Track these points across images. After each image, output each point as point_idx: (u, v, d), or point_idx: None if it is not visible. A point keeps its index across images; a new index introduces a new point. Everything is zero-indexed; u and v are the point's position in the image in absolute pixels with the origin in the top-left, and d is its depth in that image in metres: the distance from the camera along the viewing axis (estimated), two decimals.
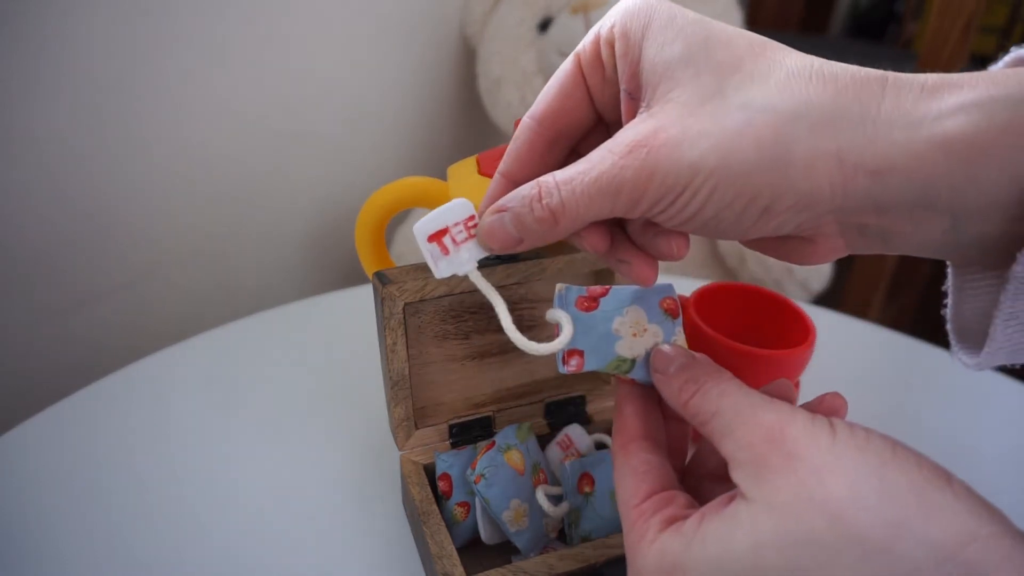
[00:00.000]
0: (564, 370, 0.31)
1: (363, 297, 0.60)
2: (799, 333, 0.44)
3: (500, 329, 0.41)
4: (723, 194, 0.25)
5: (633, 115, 0.28)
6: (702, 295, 0.46)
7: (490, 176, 0.42)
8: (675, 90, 0.26)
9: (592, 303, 0.31)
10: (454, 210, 0.30)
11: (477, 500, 0.37)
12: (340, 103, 0.85)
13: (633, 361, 0.30)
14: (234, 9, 0.70)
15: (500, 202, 0.29)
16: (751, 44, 0.26)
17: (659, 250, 0.29)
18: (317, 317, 0.62)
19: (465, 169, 0.43)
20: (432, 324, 0.39)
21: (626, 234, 0.31)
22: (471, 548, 0.38)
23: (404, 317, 0.37)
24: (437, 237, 0.30)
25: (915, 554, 0.20)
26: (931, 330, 0.52)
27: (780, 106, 0.24)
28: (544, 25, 0.84)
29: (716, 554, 0.23)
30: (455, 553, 0.35)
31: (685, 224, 0.26)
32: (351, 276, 0.94)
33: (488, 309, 0.40)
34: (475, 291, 0.38)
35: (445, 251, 0.31)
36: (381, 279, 0.36)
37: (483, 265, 0.37)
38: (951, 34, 1.10)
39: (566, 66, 0.30)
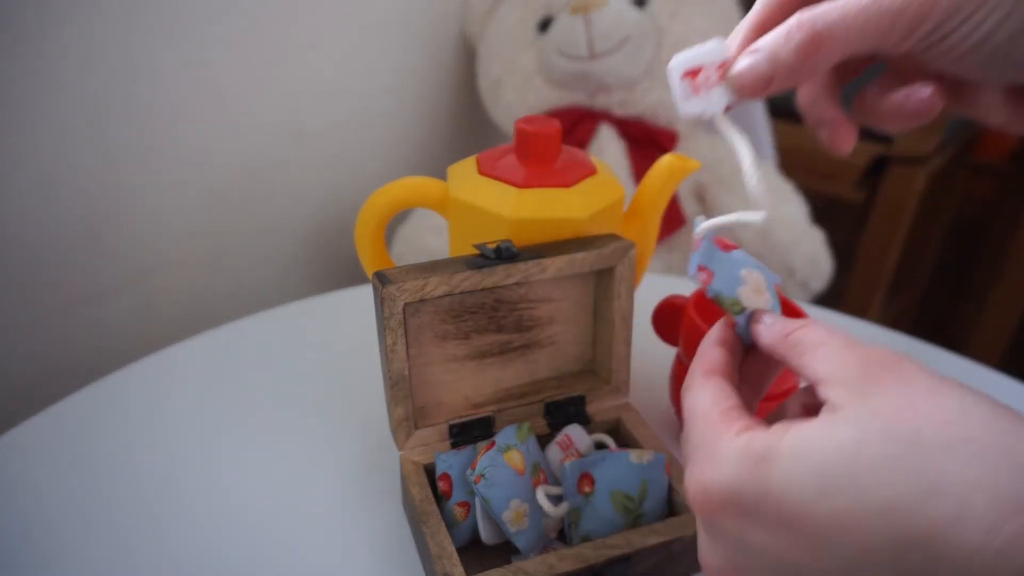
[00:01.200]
0: (693, 274, 0.30)
1: (363, 297, 0.60)
2: None
3: (500, 329, 0.41)
4: None
5: None
6: (702, 295, 0.46)
7: (490, 176, 0.42)
8: None
9: (728, 247, 0.31)
10: (710, 50, 0.31)
11: (477, 500, 0.37)
12: (340, 103, 0.85)
13: (744, 309, 0.30)
14: (233, 8, 0.70)
15: (755, 44, 0.29)
16: None
17: (912, 106, 0.29)
18: (317, 317, 0.62)
19: (465, 169, 0.43)
20: (432, 324, 0.39)
21: (833, 95, 0.31)
22: (471, 548, 0.38)
23: (404, 317, 0.37)
24: (691, 75, 0.31)
25: None
26: (931, 330, 0.52)
27: None
28: (544, 25, 0.84)
29: (811, 445, 0.22)
30: (455, 553, 0.35)
31: (972, 51, 0.24)
32: (351, 276, 0.94)
33: (488, 309, 0.40)
34: (475, 291, 0.38)
35: (695, 90, 0.31)
36: (381, 279, 0.36)
37: (482, 266, 0.37)
38: None
39: None
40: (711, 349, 0.30)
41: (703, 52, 0.31)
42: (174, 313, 0.77)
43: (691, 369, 0.29)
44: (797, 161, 1.31)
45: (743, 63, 0.29)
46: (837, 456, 0.21)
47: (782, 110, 1.31)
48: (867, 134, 1.26)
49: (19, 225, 0.62)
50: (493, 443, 0.38)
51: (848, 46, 0.26)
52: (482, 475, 0.36)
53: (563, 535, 0.38)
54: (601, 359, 0.44)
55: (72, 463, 0.46)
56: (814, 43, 0.27)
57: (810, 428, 0.22)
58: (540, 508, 0.37)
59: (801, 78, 0.28)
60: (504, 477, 0.37)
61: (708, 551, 0.25)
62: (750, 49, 0.29)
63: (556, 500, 0.38)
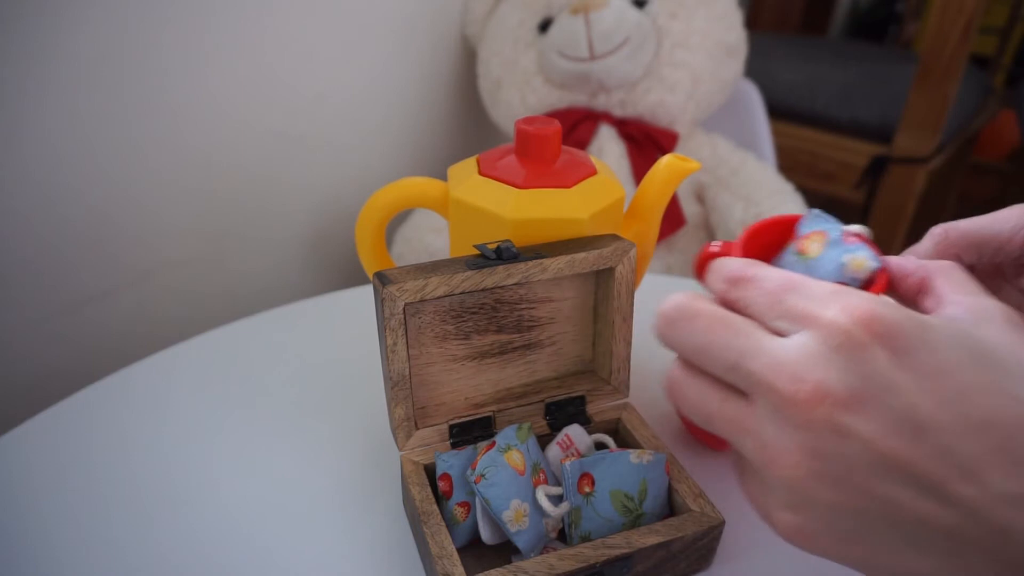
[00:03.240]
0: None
1: (363, 297, 0.60)
2: None
3: (500, 329, 0.41)
4: None
5: None
6: (753, 234, 0.41)
7: (490, 176, 0.42)
8: None
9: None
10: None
11: (477, 500, 0.37)
12: (340, 103, 0.85)
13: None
14: (232, 9, 0.70)
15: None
16: None
17: None
18: (317, 317, 0.62)
19: (465, 169, 0.43)
20: (432, 324, 0.39)
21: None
22: (471, 548, 0.38)
23: (404, 317, 0.37)
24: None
25: None
26: None
27: None
28: (544, 26, 0.84)
29: (966, 328, 0.26)
30: (455, 553, 0.35)
31: None
32: (351, 276, 0.94)
33: (488, 309, 0.40)
34: (475, 291, 0.38)
35: None
36: (381, 279, 0.36)
37: (482, 266, 0.37)
38: (951, 34, 1.10)
39: None
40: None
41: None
42: (174, 314, 0.77)
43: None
44: (797, 161, 1.31)
45: (896, 258, 0.35)
46: (992, 343, 0.25)
47: (782, 110, 1.32)
48: (867, 132, 1.26)
49: (20, 226, 0.62)
50: (493, 443, 0.38)
51: (971, 243, 0.35)
52: (482, 475, 0.36)
53: (563, 535, 0.39)
54: (601, 359, 0.44)
55: (72, 463, 0.46)
56: (944, 235, 0.35)
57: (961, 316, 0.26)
58: (540, 508, 0.37)
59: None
60: (504, 477, 0.37)
61: (831, 369, 0.24)
62: (906, 252, 0.37)
63: (556, 500, 0.38)
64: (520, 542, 0.37)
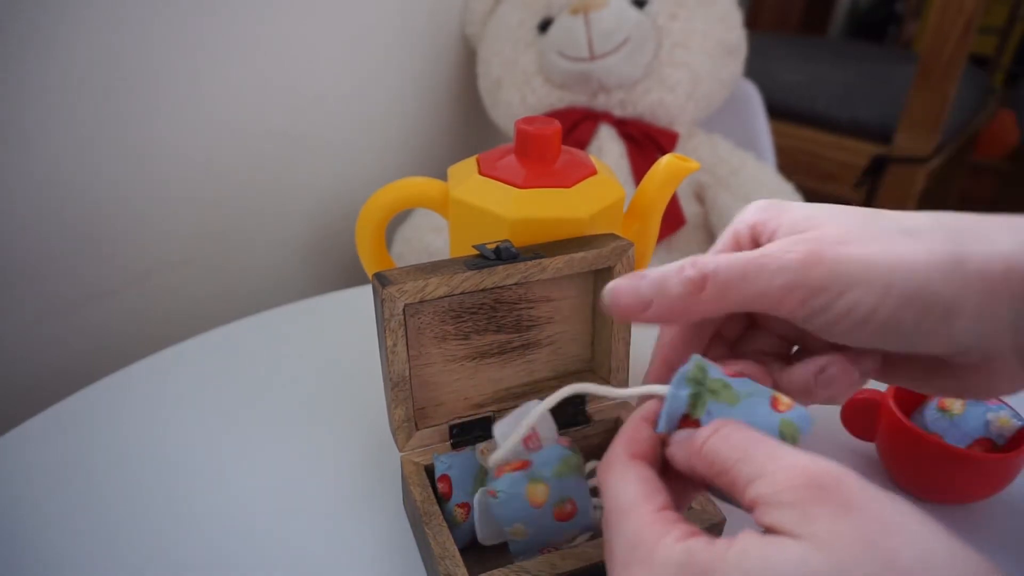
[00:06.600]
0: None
1: (363, 297, 0.60)
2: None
3: (499, 329, 0.41)
4: (901, 291, 0.24)
5: None
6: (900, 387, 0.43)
7: (490, 176, 0.42)
8: (821, 228, 0.26)
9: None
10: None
11: (476, 500, 0.37)
12: (340, 104, 0.85)
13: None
14: (232, 10, 0.70)
15: (642, 272, 0.29)
16: (865, 217, 0.27)
17: (826, 380, 0.28)
18: (317, 317, 0.62)
19: (465, 169, 0.43)
20: (432, 325, 0.39)
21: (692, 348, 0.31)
22: (472, 548, 0.38)
23: (404, 318, 0.37)
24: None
25: None
26: None
27: (938, 222, 0.25)
28: (544, 26, 0.84)
29: (758, 569, 0.21)
30: (458, 554, 0.35)
31: (853, 330, 0.26)
32: (351, 276, 0.94)
33: (488, 309, 0.40)
34: (475, 291, 0.38)
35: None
36: (381, 280, 0.36)
37: (482, 266, 0.37)
38: (951, 34, 1.10)
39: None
40: (639, 427, 0.28)
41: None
42: (174, 314, 0.77)
43: (613, 446, 0.28)
44: (797, 161, 1.32)
45: (623, 282, 0.29)
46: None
47: (782, 110, 1.32)
48: (867, 132, 1.26)
49: (20, 227, 0.62)
50: (528, 463, 0.35)
51: (736, 296, 0.26)
52: (497, 493, 0.34)
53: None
54: (600, 359, 0.44)
55: (72, 463, 0.46)
56: (702, 279, 0.27)
57: (757, 549, 0.21)
58: (545, 528, 0.35)
59: (683, 312, 0.28)
60: (516, 507, 0.34)
61: None
62: (635, 274, 0.29)
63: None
64: (515, 548, 0.36)
